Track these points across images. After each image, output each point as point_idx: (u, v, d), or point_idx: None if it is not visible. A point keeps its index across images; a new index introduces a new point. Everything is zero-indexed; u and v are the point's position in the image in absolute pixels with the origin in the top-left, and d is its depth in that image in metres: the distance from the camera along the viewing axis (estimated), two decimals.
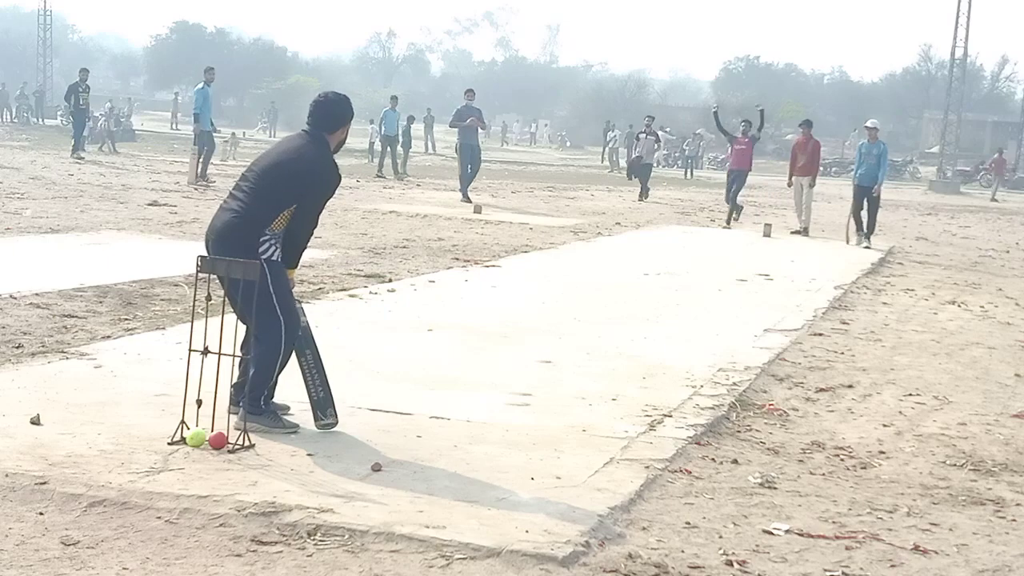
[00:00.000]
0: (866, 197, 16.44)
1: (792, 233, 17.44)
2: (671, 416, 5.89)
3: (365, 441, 5.11)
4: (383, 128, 27.84)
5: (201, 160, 20.80)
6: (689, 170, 41.02)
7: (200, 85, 21.21)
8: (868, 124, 17.23)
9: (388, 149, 27.90)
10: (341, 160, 5.45)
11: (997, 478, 5.33)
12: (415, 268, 11.19)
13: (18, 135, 38.07)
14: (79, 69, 27.52)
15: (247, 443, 4.83)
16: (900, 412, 6.50)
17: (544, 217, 18.65)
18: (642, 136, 26.01)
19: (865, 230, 16.42)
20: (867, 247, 15.97)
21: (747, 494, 4.81)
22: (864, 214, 16.49)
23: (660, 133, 47.00)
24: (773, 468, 5.22)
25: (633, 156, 26.72)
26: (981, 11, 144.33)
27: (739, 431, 5.84)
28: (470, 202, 19.55)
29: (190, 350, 4.88)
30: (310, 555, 3.84)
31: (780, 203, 23.68)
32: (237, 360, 5.12)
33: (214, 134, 21.78)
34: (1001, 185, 37.12)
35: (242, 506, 4.16)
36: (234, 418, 4.97)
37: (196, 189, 19.34)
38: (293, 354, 5.18)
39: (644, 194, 24.76)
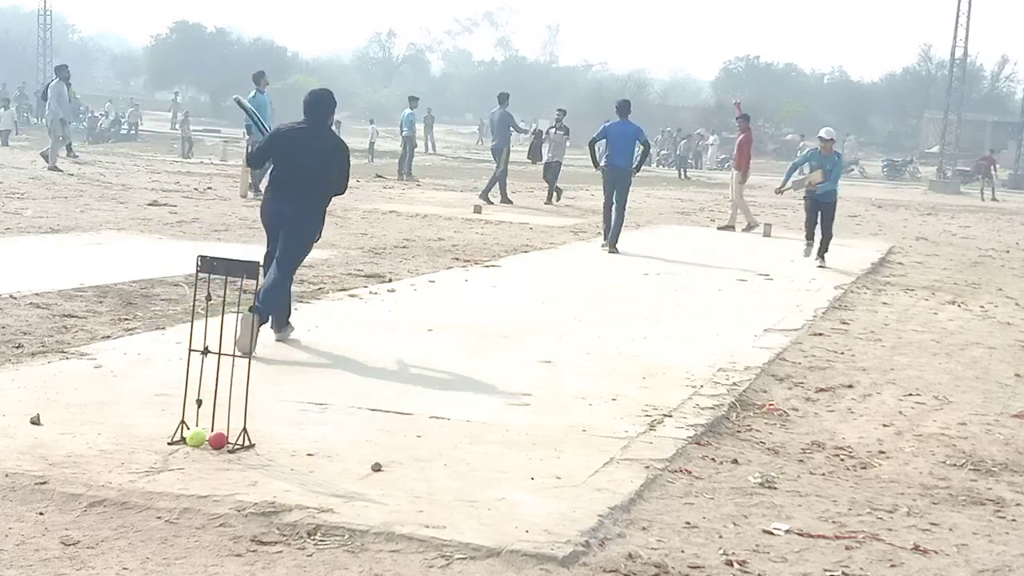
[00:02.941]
0: (820, 210, 13.78)
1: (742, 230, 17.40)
2: (671, 416, 5.89)
3: (365, 441, 5.11)
4: (404, 129, 27.71)
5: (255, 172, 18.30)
6: (683, 170, 40.52)
7: (252, 93, 18.47)
8: (823, 134, 13.83)
9: (407, 149, 27.74)
10: None
11: (997, 478, 5.33)
12: (415, 268, 11.19)
13: (18, 135, 38.05)
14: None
15: (247, 443, 4.83)
16: (900, 412, 6.51)
17: (544, 217, 18.65)
18: (552, 131, 22.63)
19: (819, 248, 13.73)
20: (821, 266, 13.36)
21: (747, 494, 4.81)
22: (818, 229, 13.84)
23: (662, 132, 47.18)
24: (773, 468, 5.22)
25: (544, 153, 23.34)
26: (981, 11, 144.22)
27: (739, 431, 5.84)
28: (511, 202, 19.75)
29: (190, 350, 4.89)
30: (310, 555, 3.84)
31: (780, 203, 23.64)
32: (235, 353, 5.12)
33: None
34: (988, 185, 37.10)
35: (242, 506, 4.16)
36: (235, 416, 4.97)
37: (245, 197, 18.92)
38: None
39: (557, 195, 21.67)
